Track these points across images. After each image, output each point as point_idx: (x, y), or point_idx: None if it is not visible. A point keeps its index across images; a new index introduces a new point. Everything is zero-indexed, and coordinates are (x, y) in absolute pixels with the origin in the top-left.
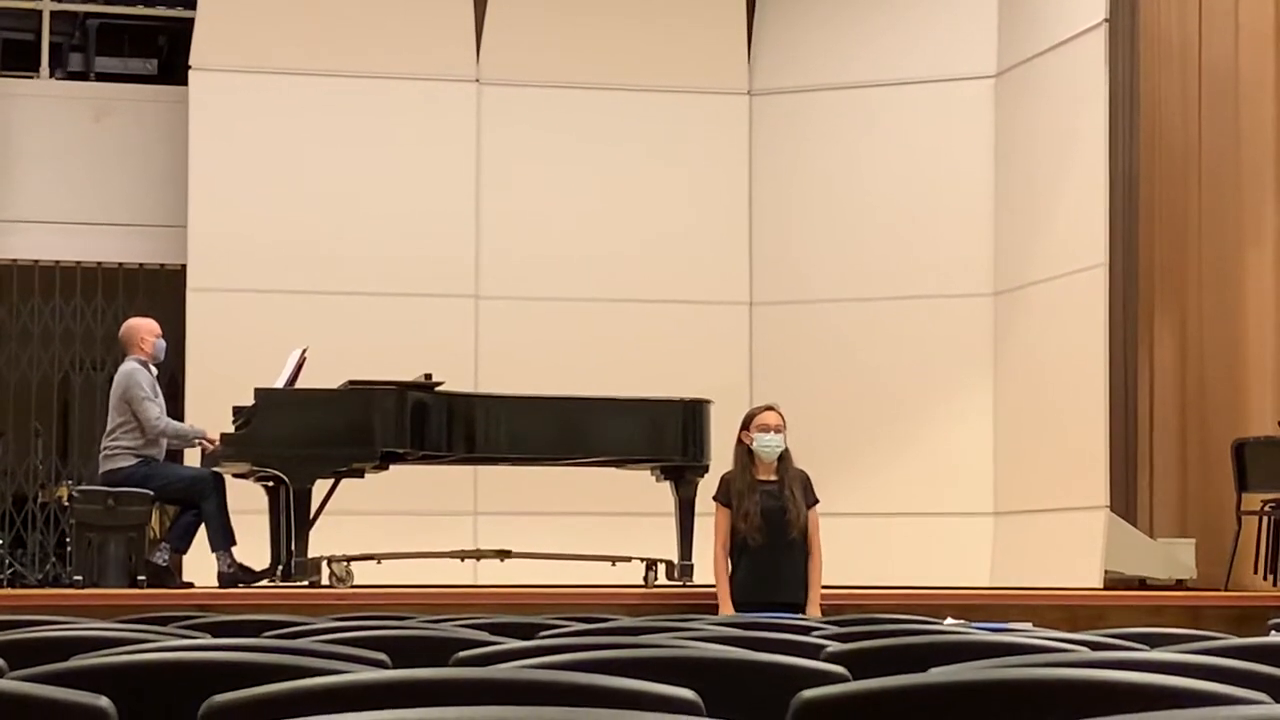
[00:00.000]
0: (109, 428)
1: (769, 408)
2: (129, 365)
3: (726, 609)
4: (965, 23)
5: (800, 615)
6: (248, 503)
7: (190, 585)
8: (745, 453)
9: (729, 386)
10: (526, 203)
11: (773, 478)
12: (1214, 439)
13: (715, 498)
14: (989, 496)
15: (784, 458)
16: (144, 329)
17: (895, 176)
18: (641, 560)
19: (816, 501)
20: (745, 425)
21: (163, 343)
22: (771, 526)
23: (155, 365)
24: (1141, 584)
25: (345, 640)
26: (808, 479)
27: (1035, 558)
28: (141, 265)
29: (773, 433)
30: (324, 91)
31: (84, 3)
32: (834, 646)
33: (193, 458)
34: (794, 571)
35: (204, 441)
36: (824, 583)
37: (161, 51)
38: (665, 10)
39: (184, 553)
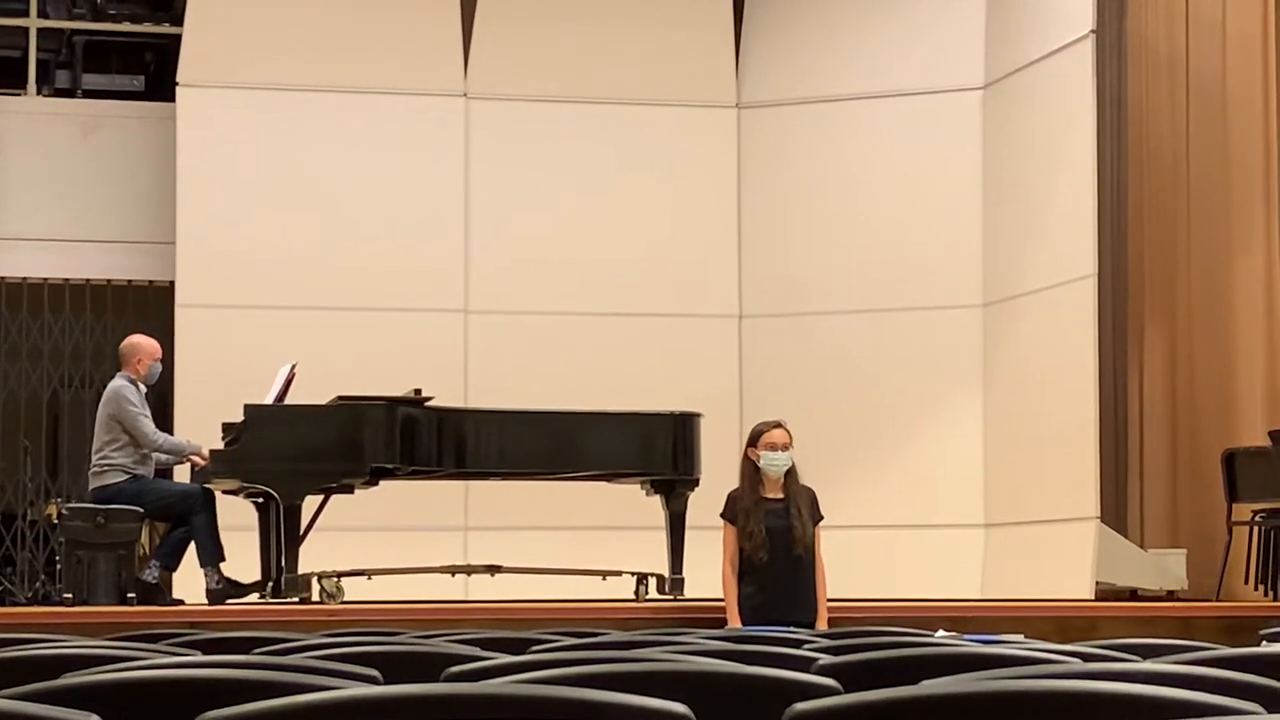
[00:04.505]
0: (97, 445)
1: (777, 424)
2: (118, 382)
3: (735, 625)
4: (953, 34)
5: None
6: (238, 519)
7: (180, 602)
8: (752, 469)
9: (719, 399)
10: (515, 217)
11: (779, 495)
12: (1204, 449)
13: (722, 515)
14: (980, 508)
15: (790, 475)
16: (144, 350)
17: (884, 189)
18: (632, 574)
19: (821, 518)
20: (752, 441)
21: (159, 367)
22: (777, 544)
23: (144, 385)
24: (1133, 595)
25: (336, 656)
26: (814, 496)
27: (1026, 569)
28: (130, 281)
29: (780, 450)
30: (312, 107)
31: (71, 19)
32: (825, 659)
33: (182, 473)
34: (802, 589)
35: (197, 457)
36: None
37: (149, 68)
38: (653, 24)
39: (174, 570)
